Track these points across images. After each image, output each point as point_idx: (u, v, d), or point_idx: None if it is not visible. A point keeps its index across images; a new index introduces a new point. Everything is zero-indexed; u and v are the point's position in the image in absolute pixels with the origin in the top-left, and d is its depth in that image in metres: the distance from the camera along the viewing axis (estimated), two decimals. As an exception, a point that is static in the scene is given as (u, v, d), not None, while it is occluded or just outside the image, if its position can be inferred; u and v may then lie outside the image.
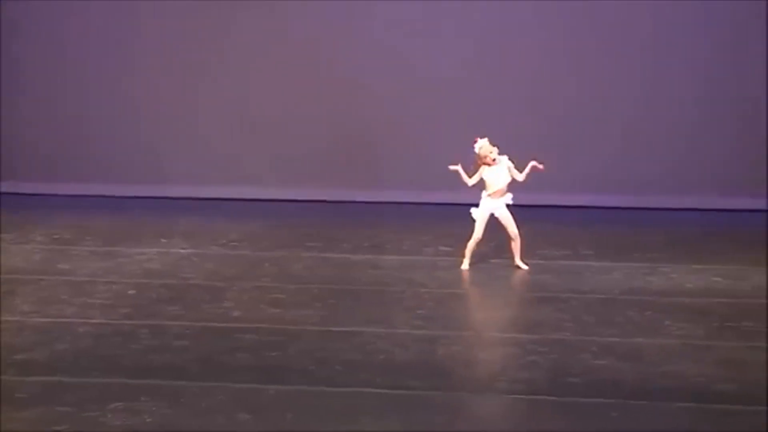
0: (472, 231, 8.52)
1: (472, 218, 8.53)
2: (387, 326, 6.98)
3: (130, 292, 7.86)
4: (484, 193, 8.62)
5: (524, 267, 8.58)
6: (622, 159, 11.51)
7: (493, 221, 8.53)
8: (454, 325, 7.17)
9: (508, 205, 8.58)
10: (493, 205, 8.53)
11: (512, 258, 8.62)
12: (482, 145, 8.62)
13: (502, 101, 11.69)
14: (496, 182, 8.54)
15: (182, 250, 9.29)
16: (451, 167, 8.65)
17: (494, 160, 8.62)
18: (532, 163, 8.57)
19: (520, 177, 8.61)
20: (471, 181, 8.64)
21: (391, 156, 11.72)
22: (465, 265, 8.62)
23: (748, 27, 11.70)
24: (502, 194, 8.55)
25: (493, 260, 8.89)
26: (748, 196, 11.14)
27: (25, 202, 11.60)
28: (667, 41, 11.72)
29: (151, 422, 5.24)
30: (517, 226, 8.50)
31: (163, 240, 9.71)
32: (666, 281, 8.30)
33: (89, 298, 7.67)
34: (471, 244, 8.57)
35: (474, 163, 8.62)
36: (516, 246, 8.59)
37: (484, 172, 8.63)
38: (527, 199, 10.37)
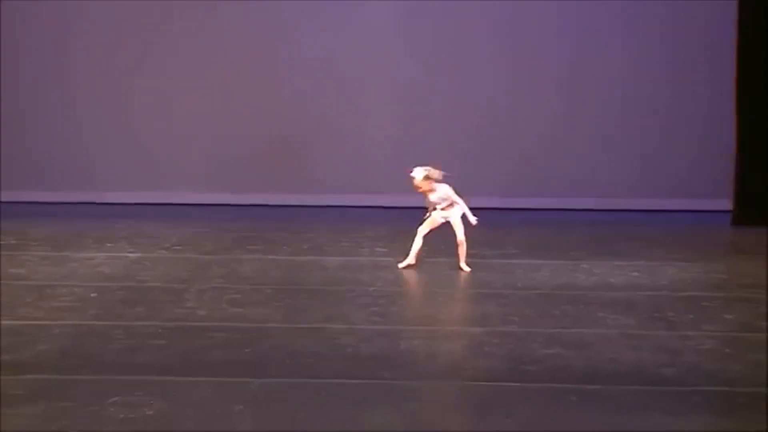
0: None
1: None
2: (347, 322, 7.25)
3: (92, 295, 7.98)
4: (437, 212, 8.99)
5: (467, 269, 8.93)
6: (540, 163, 12.04)
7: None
8: (410, 321, 7.50)
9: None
10: (445, 214, 8.93)
11: (458, 260, 8.97)
12: (415, 176, 8.92)
13: (438, 105, 12.16)
14: (442, 200, 8.93)
15: (130, 254, 9.47)
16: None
17: (431, 189, 8.92)
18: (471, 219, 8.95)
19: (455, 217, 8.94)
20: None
21: (323, 160, 12.09)
22: (404, 264, 9.02)
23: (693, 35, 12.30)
24: (452, 206, 8.93)
25: (429, 260, 9.32)
26: (661, 198, 11.86)
27: None
28: (597, 42, 12.28)
29: (152, 414, 5.43)
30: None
31: (108, 244, 9.88)
32: (590, 277, 8.80)
33: (53, 302, 7.74)
34: (416, 245, 8.95)
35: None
36: (462, 251, 8.94)
37: (428, 197, 8.98)
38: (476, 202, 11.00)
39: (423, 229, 8.97)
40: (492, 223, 11.05)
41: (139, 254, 9.48)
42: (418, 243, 8.97)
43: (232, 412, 5.52)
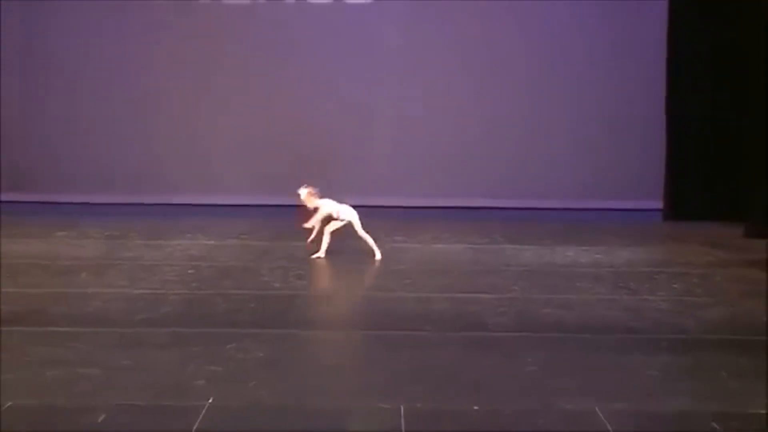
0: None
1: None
2: (388, 290, 7.62)
3: (189, 271, 8.30)
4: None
5: (379, 257, 8.86)
6: (520, 167, 12.18)
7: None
8: (434, 289, 7.72)
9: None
10: (342, 217, 8.89)
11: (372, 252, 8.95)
12: (302, 194, 8.83)
13: (433, 124, 12.21)
14: (334, 209, 8.87)
15: (207, 242, 9.75)
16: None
17: (315, 208, 8.78)
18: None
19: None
20: (312, 223, 8.76)
21: (342, 167, 12.08)
22: (315, 256, 8.87)
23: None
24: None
25: (436, 246, 9.66)
26: (616, 199, 12.07)
27: (59, 209, 11.74)
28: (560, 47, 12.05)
29: (264, 356, 5.89)
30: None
31: (188, 235, 10.12)
32: (565, 257, 9.19)
33: (163, 276, 8.06)
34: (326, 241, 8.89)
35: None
36: (369, 242, 8.92)
37: (321, 210, 8.79)
38: (452, 202, 11.36)
39: (329, 228, 8.91)
40: (479, 219, 11.56)
41: (214, 242, 9.73)
42: (326, 240, 8.89)
43: (318, 355, 6.04)
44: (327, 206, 8.89)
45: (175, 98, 12.36)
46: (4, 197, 12.06)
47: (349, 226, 8.93)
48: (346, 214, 8.93)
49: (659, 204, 11.91)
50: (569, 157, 12.20)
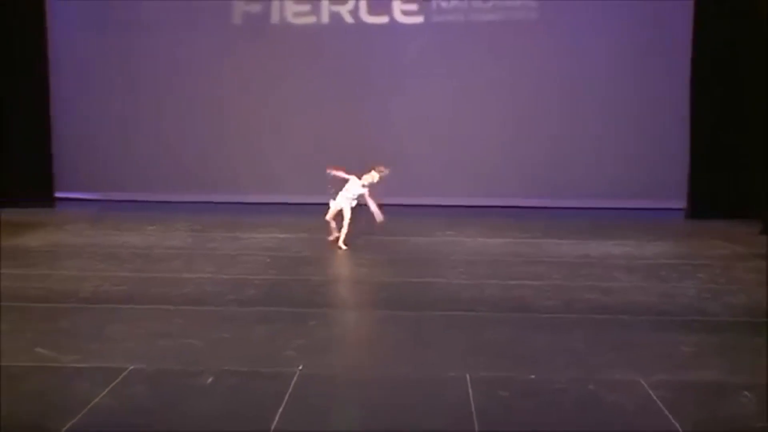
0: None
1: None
2: (445, 278, 7.74)
3: (267, 260, 8.45)
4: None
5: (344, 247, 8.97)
6: (551, 170, 12.12)
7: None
8: (486, 277, 7.83)
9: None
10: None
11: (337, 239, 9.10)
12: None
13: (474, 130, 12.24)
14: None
15: (280, 235, 9.87)
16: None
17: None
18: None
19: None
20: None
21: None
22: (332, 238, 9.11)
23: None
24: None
25: (481, 239, 9.81)
26: (640, 198, 11.96)
27: (146, 207, 11.92)
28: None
29: (341, 332, 6.17)
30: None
31: (261, 229, 10.22)
32: (598, 250, 9.16)
33: (244, 265, 8.22)
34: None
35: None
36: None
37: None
38: (492, 201, 11.46)
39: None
40: (516, 216, 11.56)
41: (285, 235, 9.86)
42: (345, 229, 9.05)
43: (387, 331, 6.22)
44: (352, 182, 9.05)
45: (246, 108, 12.53)
46: (101, 196, 12.42)
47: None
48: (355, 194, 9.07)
49: (680, 204, 11.86)
50: (597, 160, 12.15)
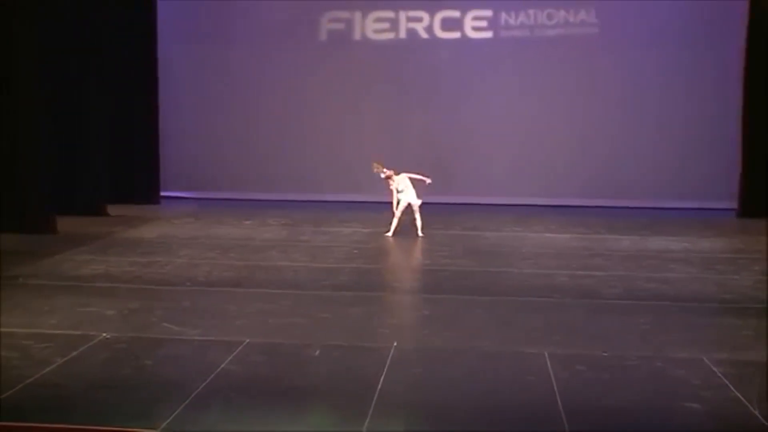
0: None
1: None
2: (518, 268, 7.91)
3: (354, 251, 8.73)
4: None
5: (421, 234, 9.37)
6: (610, 172, 12.22)
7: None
8: (554, 267, 7.96)
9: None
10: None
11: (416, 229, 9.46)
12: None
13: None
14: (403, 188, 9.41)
15: (363, 230, 10.08)
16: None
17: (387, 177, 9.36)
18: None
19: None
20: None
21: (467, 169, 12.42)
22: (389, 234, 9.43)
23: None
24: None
25: (546, 234, 9.93)
26: (693, 199, 11.95)
27: (241, 204, 12.27)
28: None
29: (429, 314, 6.33)
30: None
31: (346, 224, 10.50)
32: (657, 245, 9.24)
33: (335, 255, 8.49)
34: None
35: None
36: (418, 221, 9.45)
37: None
38: (555, 201, 11.52)
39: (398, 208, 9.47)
40: (578, 214, 11.60)
41: (369, 230, 10.06)
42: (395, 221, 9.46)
43: (471, 314, 6.38)
44: (400, 181, 9.37)
45: (329, 115, 12.83)
46: (201, 195, 12.82)
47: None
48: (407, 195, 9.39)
49: (731, 204, 11.78)
50: (653, 162, 12.18)
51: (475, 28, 12.57)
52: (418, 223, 9.54)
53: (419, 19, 12.59)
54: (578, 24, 12.33)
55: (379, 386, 4.76)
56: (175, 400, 4.48)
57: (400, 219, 9.55)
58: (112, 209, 11.28)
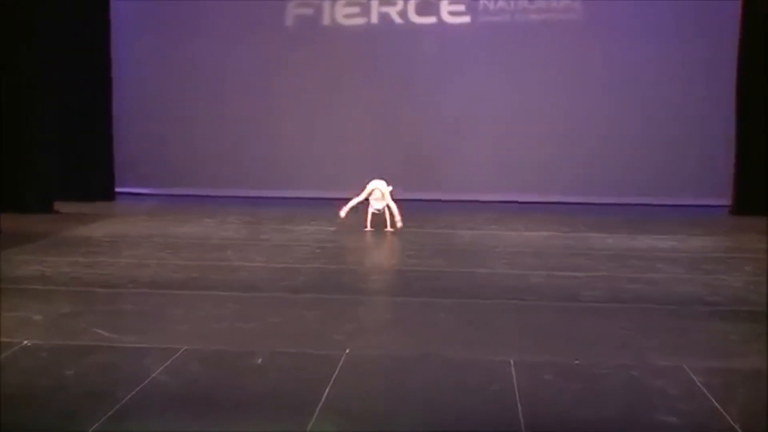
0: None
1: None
2: (490, 268, 7.69)
3: (317, 250, 8.49)
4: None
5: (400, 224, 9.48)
6: (595, 167, 12.05)
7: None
8: (531, 267, 7.75)
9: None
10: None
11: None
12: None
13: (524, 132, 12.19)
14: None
15: (329, 228, 9.86)
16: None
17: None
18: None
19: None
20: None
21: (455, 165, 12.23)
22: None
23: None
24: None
25: (525, 233, 9.71)
26: (683, 195, 11.83)
27: (203, 201, 12.08)
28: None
29: (390, 317, 6.13)
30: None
31: (312, 222, 10.29)
32: (643, 244, 9.05)
33: (296, 254, 8.25)
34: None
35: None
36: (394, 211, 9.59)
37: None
38: (548, 198, 11.30)
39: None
40: (560, 212, 11.45)
41: (335, 228, 9.82)
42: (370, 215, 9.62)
43: (435, 317, 6.14)
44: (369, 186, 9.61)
45: (297, 107, 12.58)
46: (162, 191, 12.59)
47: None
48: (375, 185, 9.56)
49: (724, 200, 11.63)
50: (641, 157, 11.99)
51: (452, 13, 12.29)
52: (391, 217, 9.46)
53: (393, 3, 12.30)
54: (562, 10, 12.08)
55: (323, 399, 4.46)
56: (97, 413, 4.18)
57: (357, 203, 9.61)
58: (65, 207, 10.96)
